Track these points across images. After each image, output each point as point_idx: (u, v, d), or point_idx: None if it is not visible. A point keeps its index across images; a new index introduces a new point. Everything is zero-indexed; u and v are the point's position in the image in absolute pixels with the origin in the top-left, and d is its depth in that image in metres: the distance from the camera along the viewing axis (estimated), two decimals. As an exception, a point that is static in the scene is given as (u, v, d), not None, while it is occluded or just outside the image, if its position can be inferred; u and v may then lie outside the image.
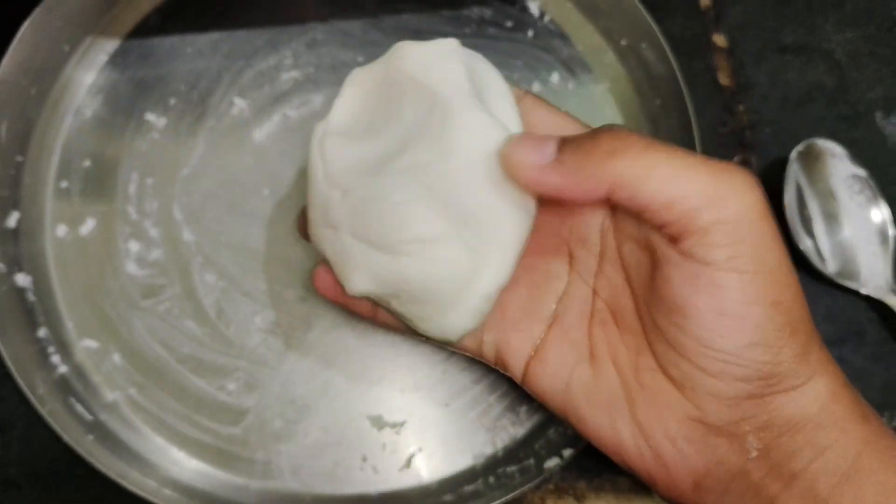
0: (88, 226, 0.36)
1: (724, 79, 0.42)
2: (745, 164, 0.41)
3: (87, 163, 0.37)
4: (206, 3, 0.40)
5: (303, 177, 0.37)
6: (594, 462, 0.36)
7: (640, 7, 0.39)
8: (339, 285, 0.29)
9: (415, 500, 0.34)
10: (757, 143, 0.41)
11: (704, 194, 0.24)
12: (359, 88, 0.29)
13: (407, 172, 0.26)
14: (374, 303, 0.30)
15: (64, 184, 0.37)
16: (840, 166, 0.40)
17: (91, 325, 0.35)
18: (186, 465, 0.34)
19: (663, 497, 0.27)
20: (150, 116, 0.38)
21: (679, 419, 0.25)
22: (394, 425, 0.35)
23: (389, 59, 0.29)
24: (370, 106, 0.29)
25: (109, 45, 0.39)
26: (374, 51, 0.40)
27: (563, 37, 0.42)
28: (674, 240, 0.25)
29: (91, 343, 0.35)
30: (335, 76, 0.39)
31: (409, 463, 0.35)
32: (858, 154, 0.40)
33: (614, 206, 0.27)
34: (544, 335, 0.29)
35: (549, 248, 0.29)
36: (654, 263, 0.26)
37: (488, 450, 0.35)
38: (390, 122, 0.28)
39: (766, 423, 0.25)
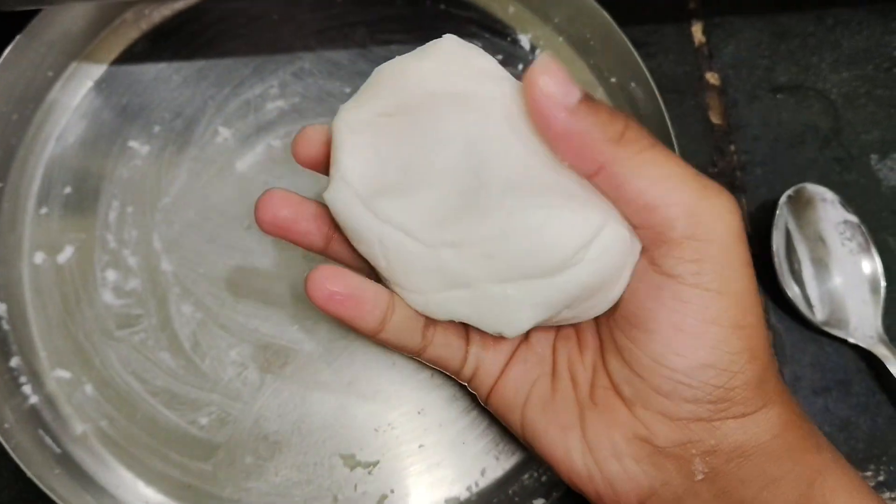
0: (66, 253, 0.35)
1: (715, 117, 0.41)
2: (734, 204, 0.40)
3: (67, 189, 0.36)
4: (193, 30, 0.39)
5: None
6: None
7: (630, 46, 0.37)
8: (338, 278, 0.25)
9: (385, 544, 0.33)
10: (747, 185, 0.40)
11: (686, 206, 0.23)
12: (364, 134, 0.25)
13: (502, 188, 0.24)
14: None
15: (44, 210, 0.36)
16: (831, 211, 0.38)
17: (64, 355, 0.34)
18: (153, 500, 0.33)
19: None
20: (134, 143, 0.37)
21: (627, 438, 0.25)
22: (366, 465, 0.34)
23: (392, 87, 0.25)
24: (393, 145, 0.25)
25: (95, 71, 0.38)
26: (361, 81, 0.38)
27: (554, 72, 0.40)
28: (644, 248, 0.24)
29: (63, 373, 0.34)
30: (321, 107, 0.38)
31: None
32: (851, 198, 0.38)
33: None
34: (514, 350, 0.28)
35: None
36: None
37: (462, 494, 0.34)
38: (436, 150, 0.24)
39: (713, 448, 0.24)
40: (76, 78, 0.37)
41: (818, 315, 0.37)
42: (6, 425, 0.32)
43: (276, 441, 0.34)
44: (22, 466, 0.30)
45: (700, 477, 0.24)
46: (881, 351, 0.36)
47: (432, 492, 0.34)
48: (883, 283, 0.37)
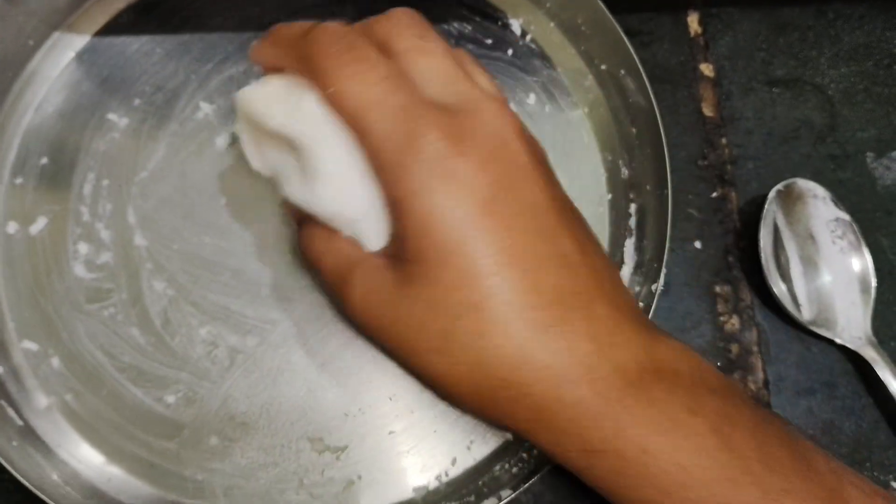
0: (39, 224, 0.33)
1: (708, 109, 0.39)
2: (723, 200, 0.38)
3: (44, 160, 0.34)
4: (179, 3, 0.37)
5: (262, 187, 0.34)
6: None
7: (622, 34, 0.35)
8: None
9: (349, 531, 0.31)
10: (738, 179, 0.38)
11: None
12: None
13: None
14: None
15: (19, 180, 0.34)
16: (822, 208, 0.36)
17: (32, 327, 0.32)
18: (115, 478, 0.31)
19: None
20: (113, 116, 0.35)
21: None
22: (335, 450, 0.32)
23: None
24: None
25: (77, 42, 0.36)
26: (347, 61, 0.37)
27: (544, 58, 0.38)
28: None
29: (31, 345, 0.32)
30: (305, 85, 0.36)
31: (346, 490, 0.32)
32: (845, 196, 0.36)
33: None
34: None
35: None
36: None
37: (431, 483, 0.32)
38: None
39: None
40: (58, 48, 0.36)
41: (805, 314, 0.35)
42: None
43: (243, 422, 0.32)
44: (-23, 437, 0.29)
45: None
46: (869, 353, 0.34)
47: (401, 480, 0.32)
48: (873, 284, 0.35)
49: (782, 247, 0.36)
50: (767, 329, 0.36)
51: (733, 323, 0.36)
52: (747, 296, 0.36)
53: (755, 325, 0.36)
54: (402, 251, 0.25)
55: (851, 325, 0.34)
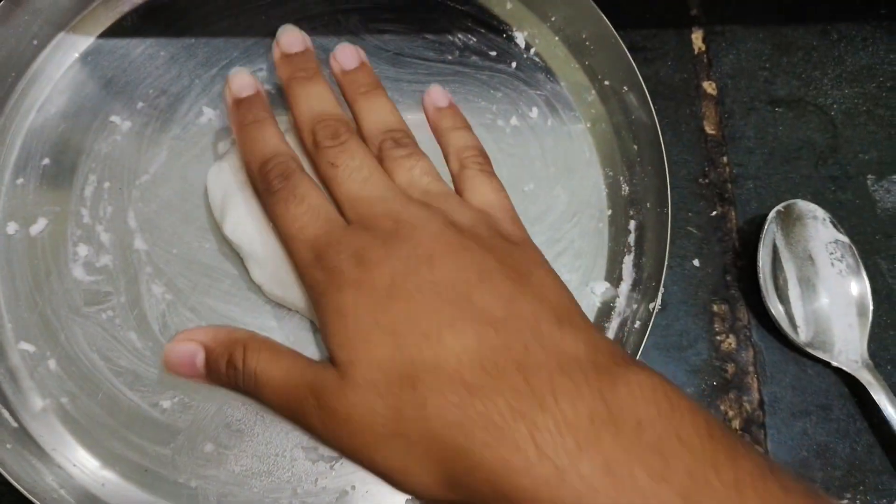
0: (39, 225, 0.32)
1: (710, 128, 0.38)
2: (722, 219, 0.37)
3: (45, 161, 0.33)
4: (185, 7, 0.36)
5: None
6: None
7: (626, 50, 0.34)
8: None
9: (341, 542, 0.30)
10: (738, 198, 0.37)
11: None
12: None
13: None
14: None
15: (20, 180, 0.33)
16: (822, 230, 0.35)
17: (30, 328, 0.31)
18: (109, 483, 0.30)
19: None
20: (116, 119, 0.34)
21: None
22: (329, 459, 0.31)
23: None
24: None
25: (81, 43, 0.35)
26: (352, 70, 0.36)
27: (547, 71, 0.37)
28: None
29: (28, 346, 0.31)
30: (310, 93, 0.35)
31: (340, 500, 0.31)
32: (844, 218, 0.35)
33: None
34: None
35: None
36: None
37: (422, 496, 0.31)
38: None
39: None
40: (62, 49, 0.35)
41: (802, 336, 0.34)
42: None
43: (238, 429, 0.31)
44: (-30, 439, 0.28)
45: None
46: (865, 377, 0.33)
47: (394, 491, 0.31)
48: (871, 307, 0.34)
49: (781, 267, 0.35)
50: (764, 349, 0.35)
51: (730, 342, 0.35)
52: (745, 315, 0.35)
53: (752, 345, 0.35)
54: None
55: (848, 348, 0.33)
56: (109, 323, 0.32)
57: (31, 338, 0.31)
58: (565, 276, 0.29)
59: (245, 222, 0.31)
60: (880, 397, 0.32)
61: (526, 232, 0.29)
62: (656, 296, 0.32)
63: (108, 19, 0.35)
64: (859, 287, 0.34)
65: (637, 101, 0.35)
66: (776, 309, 0.34)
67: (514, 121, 0.36)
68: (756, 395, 0.34)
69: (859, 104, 0.37)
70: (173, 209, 0.33)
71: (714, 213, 0.37)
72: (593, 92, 0.37)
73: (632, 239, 0.35)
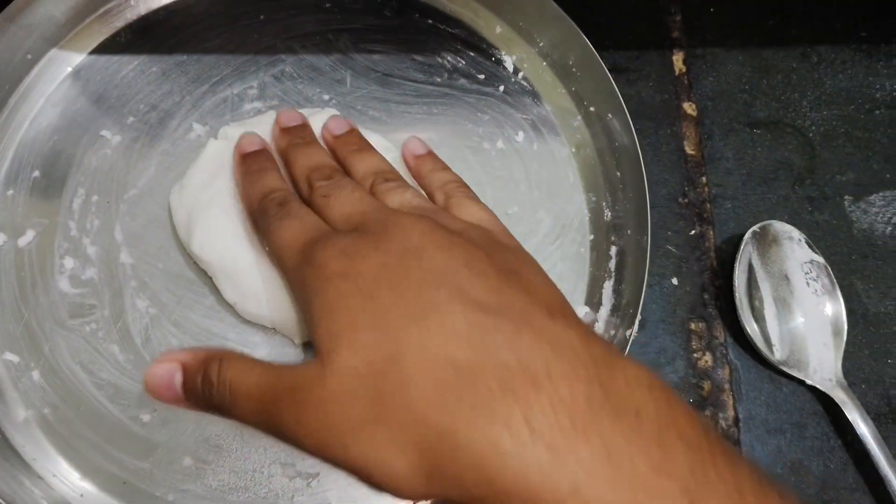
0: (27, 237, 0.31)
1: (689, 148, 0.37)
2: (701, 238, 0.36)
3: (36, 173, 0.32)
4: (178, 24, 0.35)
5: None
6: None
7: (610, 77, 0.33)
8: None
9: (317, 558, 0.29)
10: (716, 218, 0.36)
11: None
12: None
13: None
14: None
15: (10, 192, 0.32)
16: (797, 250, 0.34)
17: (14, 339, 0.30)
18: (88, 494, 0.29)
19: None
20: (106, 133, 0.33)
21: None
22: (306, 476, 0.30)
23: None
24: None
25: (74, 58, 0.34)
26: (339, 89, 0.35)
27: (535, 95, 0.36)
28: None
29: (12, 357, 0.30)
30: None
31: (317, 517, 0.30)
32: (821, 239, 0.34)
33: None
34: None
35: None
36: None
37: (398, 514, 0.30)
38: None
39: None
40: (55, 63, 0.34)
41: (777, 354, 0.33)
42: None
43: (217, 444, 0.30)
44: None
45: None
46: (839, 395, 0.31)
47: (371, 506, 0.30)
48: (845, 327, 0.33)
49: (757, 287, 0.34)
50: (740, 367, 0.34)
51: (706, 360, 0.34)
52: (721, 334, 0.34)
53: (728, 363, 0.34)
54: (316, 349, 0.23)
55: (823, 367, 0.32)
56: (93, 336, 0.31)
57: (15, 349, 0.30)
58: (543, 296, 0.28)
59: (212, 239, 0.30)
60: (854, 416, 0.31)
61: (517, 241, 0.28)
62: (633, 323, 0.31)
63: (101, 35, 0.34)
64: (834, 307, 0.33)
65: (621, 129, 0.34)
66: (752, 328, 0.33)
67: (500, 143, 0.35)
68: (731, 413, 0.33)
69: (837, 126, 0.36)
70: (160, 224, 0.32)
71: (693, 232, 0.36)
72: (579, 117, 0.36)
73: (612, 264, 0.34)
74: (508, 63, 0.37)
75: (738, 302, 0.34)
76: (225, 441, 0.30)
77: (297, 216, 0.27)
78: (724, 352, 0.34)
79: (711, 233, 0.36)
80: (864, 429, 0.30)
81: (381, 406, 0.21)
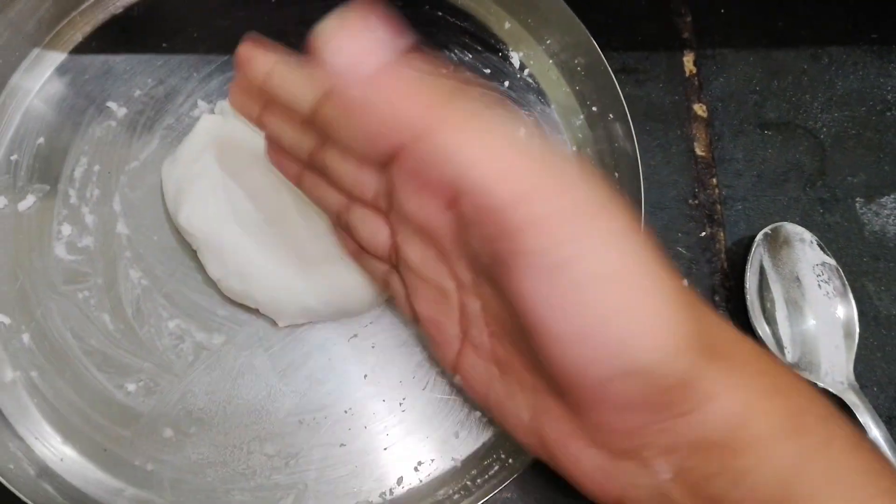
0: (28, 202, 0.32)
1: (700, 149, 0.37)
2: (711, 239, 0.36)
3: (40, 140, 0.33)
4: (193, 2, 0.36)
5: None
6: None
7: (614, 79, 0.33)
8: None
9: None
10: (726, 220, 0.36)
11: (523, 189, 0.19)
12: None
13: None
14: None
15: (14, 156, 0.33)
16: (809, 252, 0.33)
17: (8, 301, 0.31)
18: (68, 458, 0.29)
19: None
20: (112, 104, 0.34)
21: (581, 448, 0.21)
22: (285, 456, 0.29)
23: None
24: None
25: (87, 29, 0.35)
26: (347, 74, 0.36)
27: (539, 93, 0.37)
28: (492, 254, 0.20)
29: (4, 319, 0.31)
30: (304, 93, 0.35)
31: (291, 497, 0.29)
32: (832, 241, 0.34)
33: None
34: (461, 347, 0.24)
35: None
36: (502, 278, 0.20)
37: (375, 500, 0.29)
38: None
39: (670, 447, 0.20)
40: (68, 31, 0.35)
41: (788, 356, 0.32)
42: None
43: (199, 418, 0.30)
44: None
45: (667, 476, 0.20)
46: (851, 398, 0.30)
47: (346, 493, 0.29)
48: (857, 329, 0.32)
49: (768, 289, 0.33)
50: (747, 370, 0.33)
51: (713, 362, 0.33)
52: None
53: (735, 366, 0.33)
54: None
55: (834, 370, 0.31)
56: (85, 303, 0.31)
57: (7, 310, 0.31)
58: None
59: (198, 213, 0.30)
60: (865, 419, 0.30)
61: None
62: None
63: (116, 8, 0.36)
64: (846, 309, 0.32)
65: (622, 132, 0.34)
66: (763, 330, 0.33)
67: (501, 136, 0.36)
68: (738, 418, 0.32)
69: (849, 128, 0.36)
70: (158, 198, 0.33)
71: (703, 234, 0.36)
72: (581, 117, 0.36)
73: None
74: (515, 59, 0.37)
75: (749, 304, 0.33)
76: (207, 415, 0.30)
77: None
78: (731, 354, 0.33)
79: (722, 234, 0.36)
80: (875, 432, 0.29)
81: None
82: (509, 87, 0.37)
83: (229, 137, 0.31)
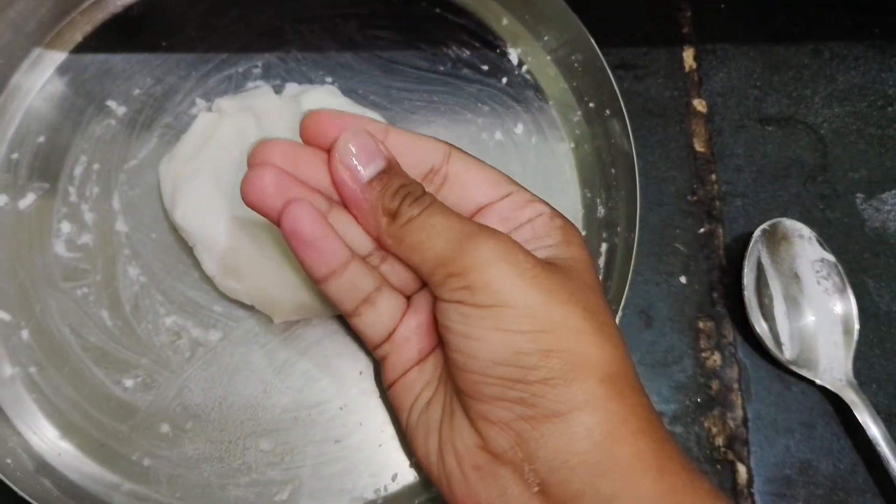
0: (28, 200, 0.33)
1: (699, 145, 0.37)
2: (710, 236, 0.36)
3: (41, 138, 0.34)
4: (186, 3, 0.37)
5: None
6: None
7: (611, 76, 0.34)
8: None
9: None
10: (725, 216, 0.36)
11: (441, 255, 0.24)
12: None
13: None
14: None
15: (15, 155, 0.34)
16: (808, 248, 0.34)
17: (8, 298, 0.32)
18: (66, 453, 0.29)
19: None
20: (111, 103, 0.35)
21: (468, 446, 0.24)
22: (281, 452, 0.30)
23: None
24: None
25: (86, 29, 0.36)
26: (343, 73, 0.36)
27: (537, 89, 0.37)
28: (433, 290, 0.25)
29: (4, 315, 0.31)
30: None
31: (286, 493, 0.29)
32: (832, 236, 0.34)
33: None
34: (419, 359, 0.27)
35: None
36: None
37: (370, 496, 0.30)
38: None
39: (533, 454, 0.22)
40: (68, 31, 0.36)
41: (787, 353, 0.32)
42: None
43: (196, 414, 0.30)
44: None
45: (535, 489, 0.23)
46: (849, 395, 0.31)
47: (341, 489, 0.30)
48: (856, 326, 0.32)
49: (766, 285, 0.34)
50: (748, 367, 0.33)
51: (715, 359, 0.34)
52: (730, 333, 0.34)
53: (736, 363, 0.33)
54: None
55: (833, 367, 0.32)
56: (84, 299, 0.32)
57: (7, 307, 0.32)
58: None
59: (194, 210, 0.30)
60: (864, 416, 0.30)
61: None
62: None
63: (116, 8, 0.37)
64: (845, 306, 0.33)
65: (618, 127, 0.34)
66: (761, 327, 0.33)
67: (498, 135, 0.36)
68: (740, 412, 0.32)
69: (850, 123, 0.37)
70: (156, 195, 0.33)
71: (702, 230, 0.36)
72: (579, 113, 0.36)
73: (602, 261, 0.34)
74: (513, 56, 0.38)
75: (747, 300, 0.33)
76: (203, 411, 0.30)
77: None
78: (733, 351, 0.34)
79: (721, 231, 0.36)
80: (874, 430, 0.30)
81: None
82: (507, 84, 0.37)
83: (226, 135, 0.32)
